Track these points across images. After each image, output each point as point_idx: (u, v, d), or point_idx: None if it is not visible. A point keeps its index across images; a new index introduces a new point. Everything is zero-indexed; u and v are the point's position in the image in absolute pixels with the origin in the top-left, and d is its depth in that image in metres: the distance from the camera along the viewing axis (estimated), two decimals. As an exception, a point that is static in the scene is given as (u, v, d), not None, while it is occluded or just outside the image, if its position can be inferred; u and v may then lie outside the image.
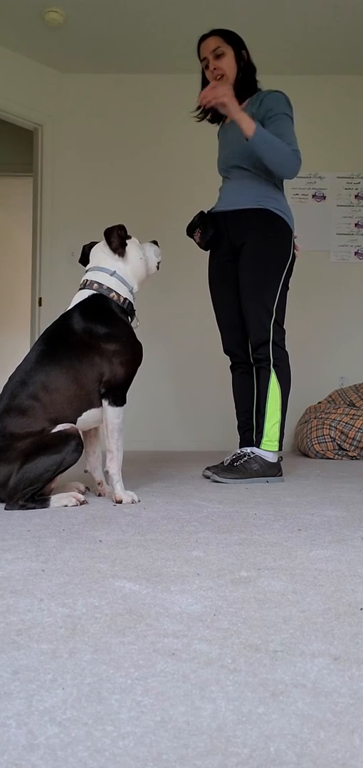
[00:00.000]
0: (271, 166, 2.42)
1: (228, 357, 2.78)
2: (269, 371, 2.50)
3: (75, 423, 1.90)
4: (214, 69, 2.55)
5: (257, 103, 2.50)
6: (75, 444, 1.80)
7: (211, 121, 2.77)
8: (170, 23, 4.02)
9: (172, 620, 0.85)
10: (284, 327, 2.59)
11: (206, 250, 2.71)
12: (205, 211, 2.66)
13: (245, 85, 2.57)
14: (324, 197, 4.67)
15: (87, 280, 2.06)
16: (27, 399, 1.85)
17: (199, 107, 2.67)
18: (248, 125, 2.34)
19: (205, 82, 2.65)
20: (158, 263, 2.22)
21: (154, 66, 4.52)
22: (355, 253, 4.67)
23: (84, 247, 2.18)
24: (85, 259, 2.16)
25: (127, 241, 2.09)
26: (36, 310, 4.57)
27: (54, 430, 1.82)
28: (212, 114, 2.72)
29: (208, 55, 2.56)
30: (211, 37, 2.57)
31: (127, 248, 2.08)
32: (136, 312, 2.11)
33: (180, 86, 4.30)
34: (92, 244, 2.15)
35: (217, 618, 0.86)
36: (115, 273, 2.05)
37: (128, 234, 2.11)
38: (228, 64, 2.54)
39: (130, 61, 4.49)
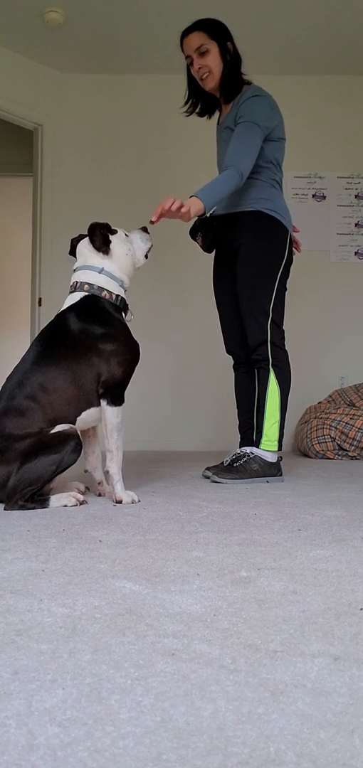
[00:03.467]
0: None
1: (230, 357, 2.79)
2: (268, 371, 2.50)
3: (74, 423, 1.90)
4: (200, 68, 2.51)
5: (236, 109, 2.48)
6: (74, 444, 1.80)
7: (201, 114, 2.77)
8: (170, 23, 4.01)
9: (172, 620, 0.85)
10: (283, 327, 2.60)
11: (209, 252, 2.72)
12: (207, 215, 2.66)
13: (231, 80, 2.52)
14: (324, 197, 4.67)
15: (77, 282, 2.04)
16: (25, 400, 1.85)
17: (187, 101, 2.70)
18: (197, 206, 2.20)
19: (191, 80, 2.67)
20: (147, 252, 2.17)
21: (154, 66, 4.52)
22: (355, 253, 4.67)
23: (72, 240, 2.15)
24: (74, 251, 2.14)
25: (112, 237, 2.05)
26: (36, 310, 4.57)
27: (53, 431, 1.82)
28: (201, 108, 2.74)
29: (191, 54, 2.52)
30: (193, 33, 2.50)
31: (111, 245, 2.04)
32: (129, 306, 2.10)
33: (180, 86, 4.27)
34: (80, 237, 2.12)
35: (217, 618, 0.86)
36: (104, 270, 2.03)
37: (113, 228, 2.08)
38: (213, 61, 2.49)
39: (130, 61, 4.49)
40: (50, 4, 3.83)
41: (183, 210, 2.14)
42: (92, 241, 2.02)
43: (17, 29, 4.10)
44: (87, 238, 2.06)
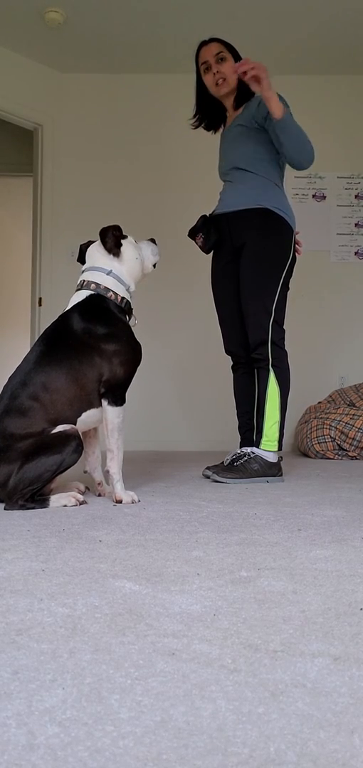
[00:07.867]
0: (291, 151, 2.40)
1: (229, 357, 2.78)
2: (268, 371, 2.50)
3: (75, 424, 1.90)
4: (217, 72, 2.58)
5: (256, 104, 2.50)
6: (75, 444, 1.80)
7: (207, 128, 2.81)
8: (170, 23, 4.02)
9: (172, 620, 0.85)
10: (284, 327, 2.59)
11: (207, 254, 2.72)
12: (208, 215, 2.67)
13: (242, 91, 2.59)
14: (324, 197, 4.67)
15: (84, 281, 2.05)
16: (27, 399, 1.85)
17: (195, 115, 2.75)
18: (278, 106, 2.32)
19: (200, 94, 2.71)
20: (155, 263, 2.21)
21: (154, 66, 4.52)
22: (355, 253, 4.67)
23: (81, 245, 2.17)
24: (82, 257, 2.16)
25: (123, 241, 2.08)
26: (36, 310, 4.57)
27: (54, 431, 1.82)
28: (208, 122, 2.79)
29: (209, 58, 2.60)
30: (213, 42, 2.62)
31: (122, 248, 2.07)
32: (133, 311, 2.11)
33: (180, 86, 4.29)
34: (89, 243, 2.14)
35: (217, 618, 0.86)
36: (112, 272, 2.04)
37: (124, 234, 2.11)
38: (228, 69, 2.57)
39: (130, 61, 4.49)
40: (50, 4, 3.83)
41: (264, 82, 2.28)
42: (104, 243, 2.04)
43: (17, 29, 4.10)
44: (97, 242, 2.08)
